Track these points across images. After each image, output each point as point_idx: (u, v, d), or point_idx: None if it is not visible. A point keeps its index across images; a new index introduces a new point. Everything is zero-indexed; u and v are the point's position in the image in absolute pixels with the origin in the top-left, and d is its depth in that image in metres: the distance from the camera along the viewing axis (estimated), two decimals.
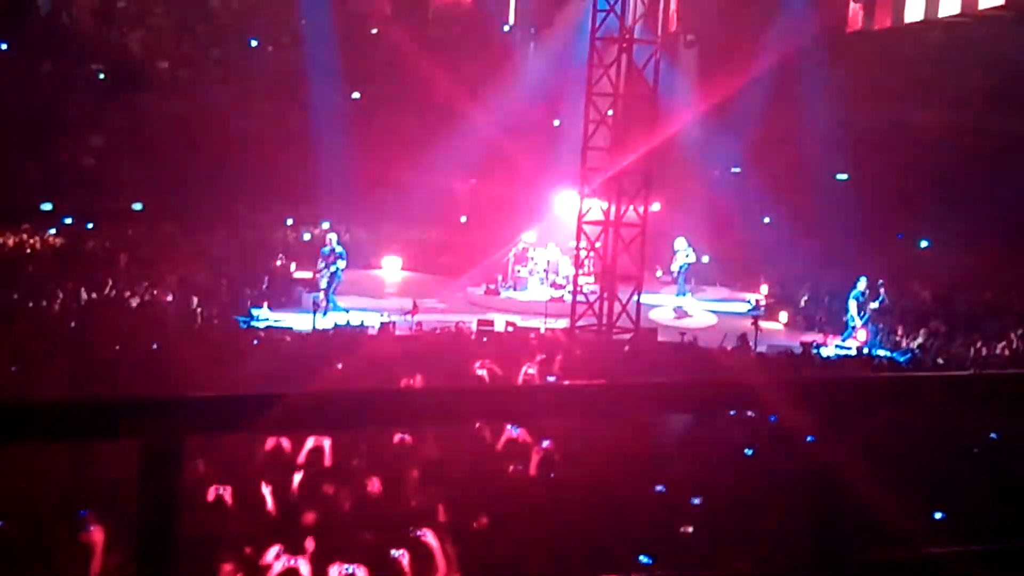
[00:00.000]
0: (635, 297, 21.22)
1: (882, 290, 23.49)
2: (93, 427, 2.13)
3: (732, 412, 10.96)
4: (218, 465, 9.66)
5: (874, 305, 23.03)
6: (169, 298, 21.82)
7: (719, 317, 25.75)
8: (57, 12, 28.35)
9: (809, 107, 28.73)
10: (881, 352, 22.01)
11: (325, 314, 22.72)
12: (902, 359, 20.77)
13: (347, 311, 22.94)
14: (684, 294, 26.90)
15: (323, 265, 23.60)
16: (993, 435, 12.52)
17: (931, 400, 3.30)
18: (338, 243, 23.92)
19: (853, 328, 23.03)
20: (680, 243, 27.02)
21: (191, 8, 26.25)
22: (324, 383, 14.41)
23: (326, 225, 30.69)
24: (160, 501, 2.13)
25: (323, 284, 23.58)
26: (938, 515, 9.54)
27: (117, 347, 16.00)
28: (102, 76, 28.70)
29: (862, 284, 23.19)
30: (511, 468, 10.55)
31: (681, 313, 25.40)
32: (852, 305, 23.12)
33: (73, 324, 18.13)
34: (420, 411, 2.53)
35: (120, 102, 27.80)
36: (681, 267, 26.90)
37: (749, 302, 27.14)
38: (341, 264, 23.66)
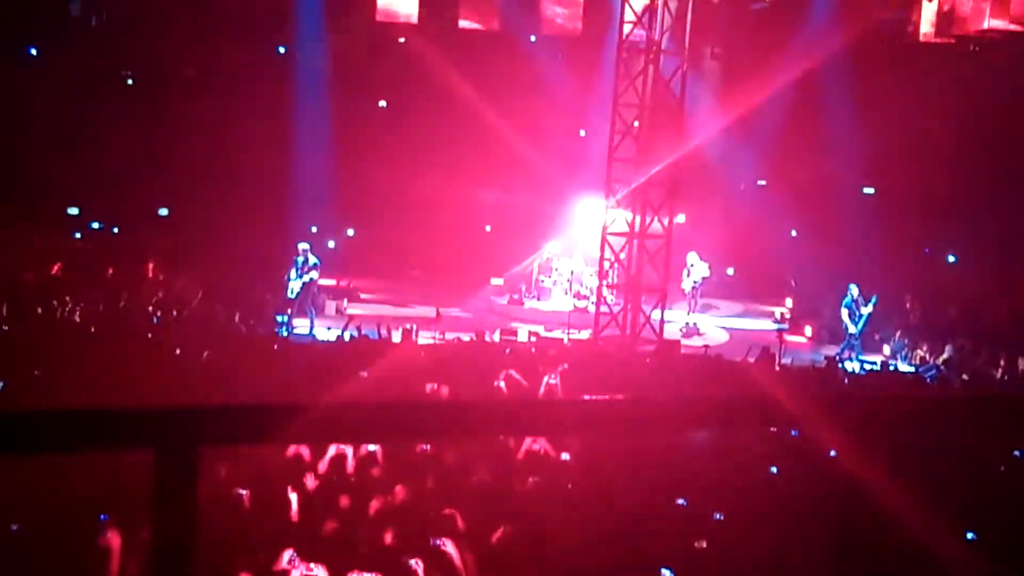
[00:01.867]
0: (659, 309, 21.18)
1: (908, 304, 23.34)
2: (106, 437, 2.11)
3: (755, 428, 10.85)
4: (239, 470, 9.67)
5: (867, 308, 22.75)
6: (193, 304, 21.86)
7: (734, 333, 25.44)
8: (87, 16, 28.49)
9: (835, 120, 28.60)
10: (906, 367, 21.88)
11: (291, 326, 22.55)
12: (928, 375, 20.61)
13: (311, 329, 22.58)
14: (692, 312, 26.09)
15: (295, 276, 22.99)
16: (1017, 452, 12.41)
17: (959, 420, 3.25)
18: (312, 253, 23.36)
19: (852, 336, 22.85)
20: (692, 258, 26.17)
21: (221, 14, 26.35)
22: (347, 391, 14.43)
23: (351, 232, 30.78)
24: (176, 513, 2.10)
25: (291, 295, 22.96)
26: (967, 535, 9.45)
27: (141, 352, 16.03)
28: (130, 81, 28.84)
29: (854, 291, 22.99)
30: (531, 479, 10.53)
31: (690, 331, 24.90)
32: (845, 314, 22.94)
33: (94, 329, 18.17)
34: (441, 424, 2.50)
35: (148, 107, 27.93)
36: (695, 282, 26.02)
37: (772, 316, 27.01)
38: (315, 275, 23.09)
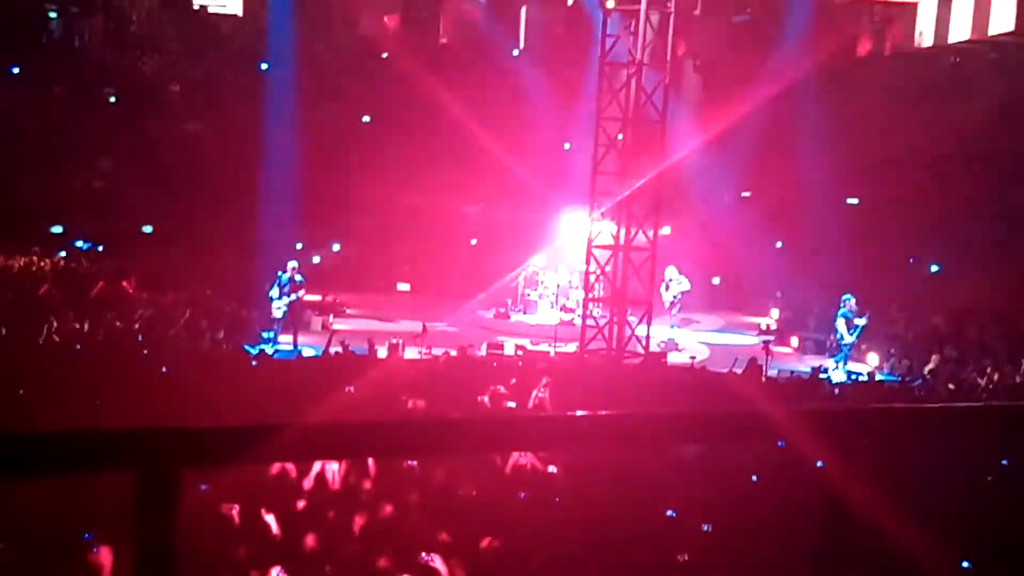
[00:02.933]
0: (645, 322, 21.19)
1: (867, 312, 23.34)
2: (87, 460, 2.09)
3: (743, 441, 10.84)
4: (224, 486, 9.62)
5: (860, 321, 22.81)
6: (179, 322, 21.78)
7: (720, 345, 25.33)
8: (69, 36, 28.45)
9: (820, 132, 28.70)
10: (892, 377, 21.93)
11: (276, 343, 22.41)
12: (914, 384, 20.66)
13: (296, 345, 22.47)
14: (674, 325, 25.88)
15: (279, 294, 22.90)
16: (1004, 461, 12.43)
17: (948, 431, 3.25)
18: (297, 272, 23.30)
19: (848, 347, 22.89)
20: (670, 272, 25.95)
21: (203, 32, 26.34)
22: (334, 407, 14.38)
23: (336, 247, 30.73)
24: (157, 536, 2.09)
25: (277, 314, 22.87)
26: (949, 542, 9.46)
27: (124, 371, 15.96)
28: (113, 100, 28.78)
29: (851, 302, 23.03)
30: (519, 494, 10.52)
31: (670, 346, 24.84)
32: (841, 324, 22.95)
33: (79, 347, 18.09)
34: (426, 442, 2.49)
35: (131, 125, 27.88)
36: (675, 296, 25.82)
37: (757, 328, 27.02)
38: (300, 293, 23.04)
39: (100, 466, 2.10)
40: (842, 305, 23.05)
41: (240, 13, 23.21)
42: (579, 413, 2.79)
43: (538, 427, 2.63)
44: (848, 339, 22.85)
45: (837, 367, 22.52)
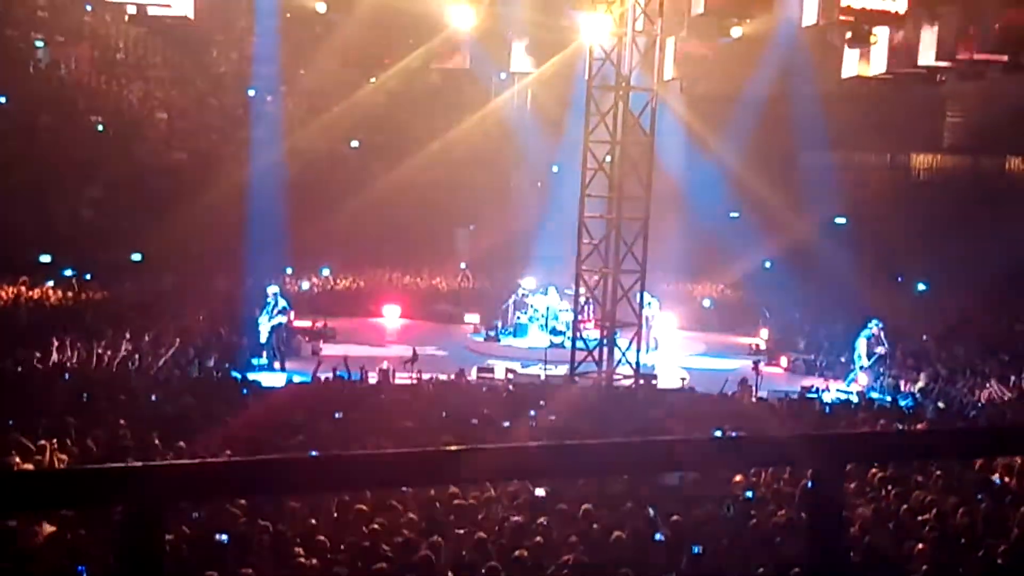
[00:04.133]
0: (635, 343, 21.17)
1: (882, 334, 23.42)
2: (71, 497, 2.09)
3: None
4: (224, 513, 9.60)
5: (880, 349, 22.92)
6: (169, 350, 21.72)
7: (710, 363, 25.10)
8: (56, 64, 28.45)
9: (807, 151, 28.83)
10: (881, 396, 21.94)
11: (271, 369, 22.33)
12: (903, 403, 20.68)
13: (285, 371, 22.36)
14: (651, 350, 25.29)
15: (266, 319, 22.86)
16: (996, 479, 12.46)
17: (938, 453, 3.25)
18: (281, 295, 23.26)
19: (861, 369, 22.90)
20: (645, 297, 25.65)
21: (189, 60, 26.37)
22: (324, 433, 14.35)
23: (326, 272, 30.72)
24: (142, 569, 2.08)
25: (263, 339, 22.83)
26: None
27: (113, 399, 15.91)
28: (100, 128, 28.78)
29: (873, 327, 23.03)
30: (510, 517, 10.50)
31: (648, 374, 24.25)
32: (862, 345, 22.95)
33: (68, 376, 18.03)
34: (419, 473, 2.48)
35: (118, 153, 27.87)
36: (647, 317, 25.43)
37: (748, 348, 27.00)
38: (283, 318, 22.97)
39: (85, 503, 2.10)
40: (865, 327, 23.06)
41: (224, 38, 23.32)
42: (569, 443, 2.78)
43: (531, 457, 2.63)
44: (865, 362, 22.88)
45: (850, 386, 22.52)
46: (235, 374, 21.16)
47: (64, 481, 2.07)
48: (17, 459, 11.17)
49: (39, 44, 27.83)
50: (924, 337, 25.32)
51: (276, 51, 27.90)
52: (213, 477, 2.16)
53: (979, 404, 20.06)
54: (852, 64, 24.46)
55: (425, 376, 21.07)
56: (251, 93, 29.50)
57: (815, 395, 20.91)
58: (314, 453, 12.92)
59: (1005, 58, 18.98)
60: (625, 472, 10.67)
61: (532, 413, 17.20)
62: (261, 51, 28.17)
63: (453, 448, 2.42)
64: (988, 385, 21.15)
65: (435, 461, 2.47)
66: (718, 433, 15.78)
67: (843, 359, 23.34)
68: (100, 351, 20.38)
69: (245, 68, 28.52)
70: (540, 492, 11.23)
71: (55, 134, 27.27)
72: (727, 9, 20.35)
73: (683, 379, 22.88)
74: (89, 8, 25.28)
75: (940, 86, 23.41)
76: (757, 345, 27.08)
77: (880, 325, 23.26)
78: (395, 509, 10.55)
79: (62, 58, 28.36)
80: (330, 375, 20.27)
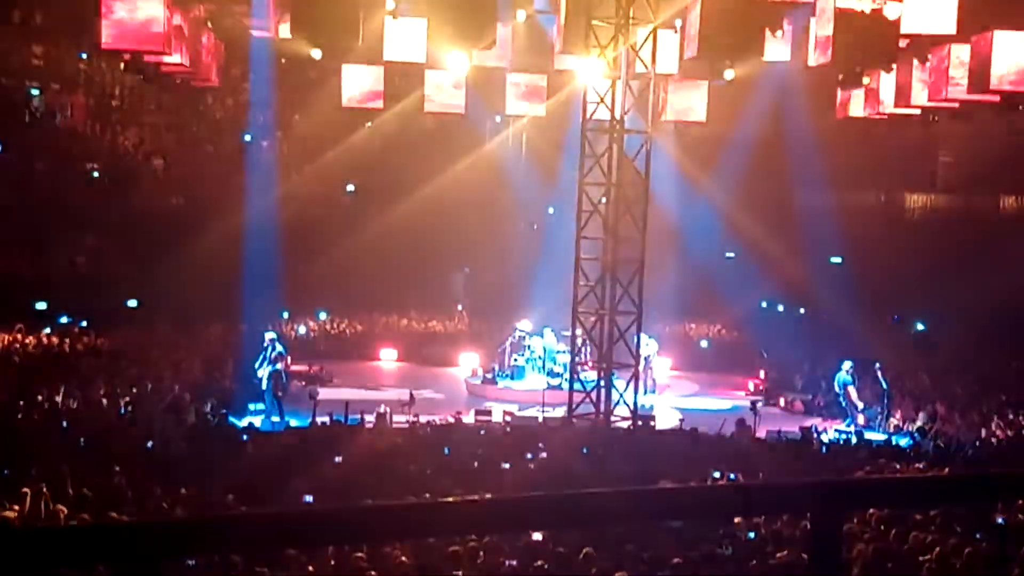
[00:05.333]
0: (632, 385, 21.14)
1: (880, 374, 23.41)
2: (66, 556, 2.07)
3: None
4: None
5: (884, 385, 23.02)
6: (166, 396, 21.67)
7: (692, 414, 24.72)
8: (51, 112, 28.54)
9: (802, 191, 28.93)
10: (879, 436, 21.91)
11: (269, 417, 22.29)
12: (902, 442, 20.65)
13: (285, 419, 22.18)
14: (649, 391, 25.26)
15: (263, 364, 22.69)
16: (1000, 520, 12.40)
17: (939, 500, 3.23)
18: (279, 341, 23.22)
19: (857, 411, 22.88)
20: (642, 338, 25.68)
21: (184, 106, 26.46)
22: (322, 478, 14.30)
23: (322, 316, 30.71)
24: None
25: (264, 385, 22.63)
26: None
27: (110, 446, 15.85)
28: (96, 174, 28.84)
29: (847, 367, 23.12)
30: (506, 563, 10.45)
31: (646, 414, 24.21)
32: (852, 391, 22.98)
33: (65, 424, 17.97)
34: (412, 526, 2.47)
35: (114, 199, 27.91)
36: (645, 358, 25.49)
37: (745, 388, 26.97)
38: (280, 364, 22.76)
39: (78, 562, 2.08)
40: (839, 370, 23.10)
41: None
42: (568, 493, 2.77)
43: (531, 508, 2.61)
44: (860, 405, 22.90)
45: (849, 427, 22.51)
46: (232, 420, 21.12)
47: (54, 539, 2.05)
48: (15, 508, 11.12)
49: (34, 92, 27.93)
50: (922, 376, 25.32)
51: (271, 96, 28.02)
52: (213, 532, 2.15)
53: (978, 443, 20.04)
54: (845, 105, 24.64)
55: (423, 419, 21.03)
56: (247, 138, 29.61)
57: (814, 435, 20.86)
58: (309, 499, 12.87)
59: (997, 99, 19.10)
60: (626, 521, 10.59)
61: (529, 456, 17.16)
62: (256, 97, 28.27)
63: (437, 502, 2.40)
64: (987, 424, 21.15)
65: (423, 514, 2.46)
66: (716, 475, 15.75)
67: (842, 402, 23.31)
68: (96, 398, 20.33)
69: (240, 114, 28.63)
70: (537, 536, 11.16)
71: (50, 181, 27.31)
72: (719, 52, 20.47)
73: (681, 420, 22.84)
74: (84, 56, 25.39)
75: (933, 126, 23.54)
76: (756, 385, 27.06)
77: (873, 364, 23.29)
78: (389, 555, 10.48)
79: (57, 106, 28.46)
80: (327, 419, 20.23)
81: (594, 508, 2.59)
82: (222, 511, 11.48)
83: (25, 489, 11.59)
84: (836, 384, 23.28)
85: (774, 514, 10.32)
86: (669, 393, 26.66)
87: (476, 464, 16.39)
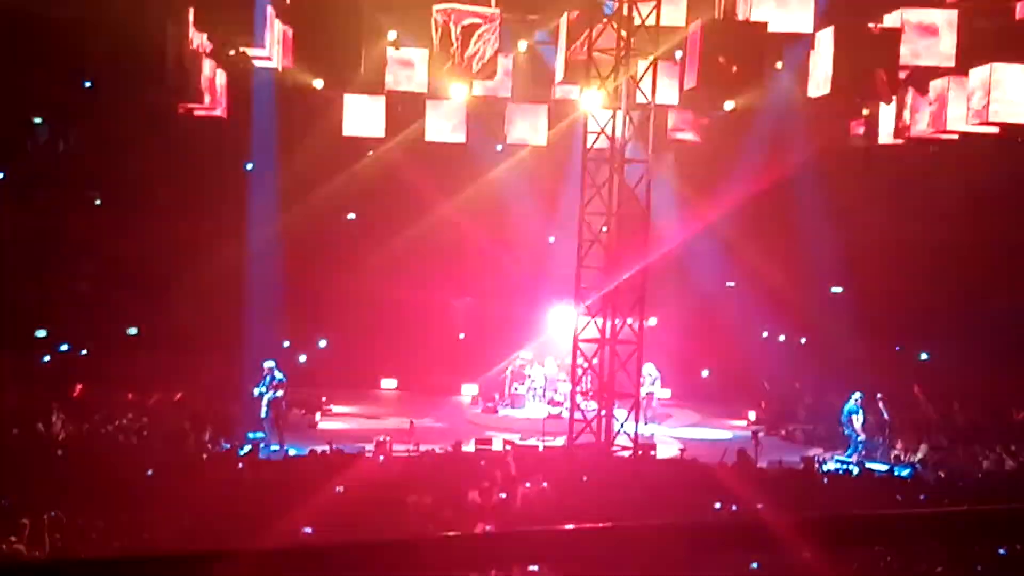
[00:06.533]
0: (632, 415, 21.11)
1: (881, 404, 23.39)
2: None
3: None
4: None
5: (883, 417, 23.00)
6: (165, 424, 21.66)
7: (693, 443, 24.75)
8: (54, 140, 28.58)
9: (803, 221, 28.93)
10: (882, 467, 21.85)
11: (268, 445, 22.28)
12: (903, 473, 20.59)
13: (285, 447, 22.16)
14: (650, 422, 25.55)
15: (263, 392, 22.72)
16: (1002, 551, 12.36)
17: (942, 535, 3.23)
18: (277, 369, 23.17)
19: (860, 442, 22.83)
20: (648, 368, 25.93)
21: (187, 134, 26.47)
22: (322, 507, 14.26)
23: (323, 344, 30.67)
24: None
25: (263, 413, 22.59)
26: None
27: (108, 476, 15.82)
28: (98, 202, 28.86)
29: (856, 397, 23.08)
30: None
31: (648, 442, 24.30)
32: (856, 421, 22.93)
33: (61, 452, 17.95)
34: (414, 561, 2.46)
35: (115, 227, 27.92)
36: (647, 394, 25.71)
37: (743, 420, 26.94)
38: (279, 392, 22.78)
39: None
40: (848, 400, 23.08)
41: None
42: (571, 527, 2.76)
43: (531, 544, 2.61)
44: (861, 435, 22.87)
45: (851, 457, 22.47)
46: (227, 446, 21.11)
47: (74, 571, 2.05)
48: (12, 539, 11.09)
49: (37, 121, 27.98)
50: (925, 406, 25.28)
51: (273, 126, 28.08)
52: (208, 566, 2.14)
53: (980, 474, 19.99)
54: (845, 135, 24.73)
55: (423, 448, 21.02)
56: (249, 167, 29.65)
57: (815, 465, 20.82)
58: (308, 530, 12.83)
59: (996, 130, 19.16)
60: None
61: (527, 485, 17.13)
62: (258, 126, 28.33)
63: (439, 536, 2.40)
64: (989, 454, 21.10)
65: (426, 549, 2.45)
66: (717, 505, 15.72)
67: (845, 431, 23.26)
68: (96, 426, 20.32)
69: (242, 143, 28.65)
70: (533, 569, 11.06)
71: (53, 209, 27.31)
72: (719, 83, 20.54)
73: (682, 449, 22.80)
74: (88, 85, 25.45)
75: (937, 155, 23.63)
76: (757, 415, 27.02)
77: (875, 395, 23.28)
78: None
79: (60, 134, 28.47)
80: (327, 448, 20.21)
81: (594, 542, 2.59)
82: (220, 543, 11.45)
83: (25, 520, 11.57)
84: (842, 413, 23.21)
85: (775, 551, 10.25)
86: (670, 422, 26.68)
87: (477, 494, 16.36)
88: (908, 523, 3.16)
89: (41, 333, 27.27)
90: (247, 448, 21.64)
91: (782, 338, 30.80)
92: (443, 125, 24.95)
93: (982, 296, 27.26)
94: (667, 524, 2.96)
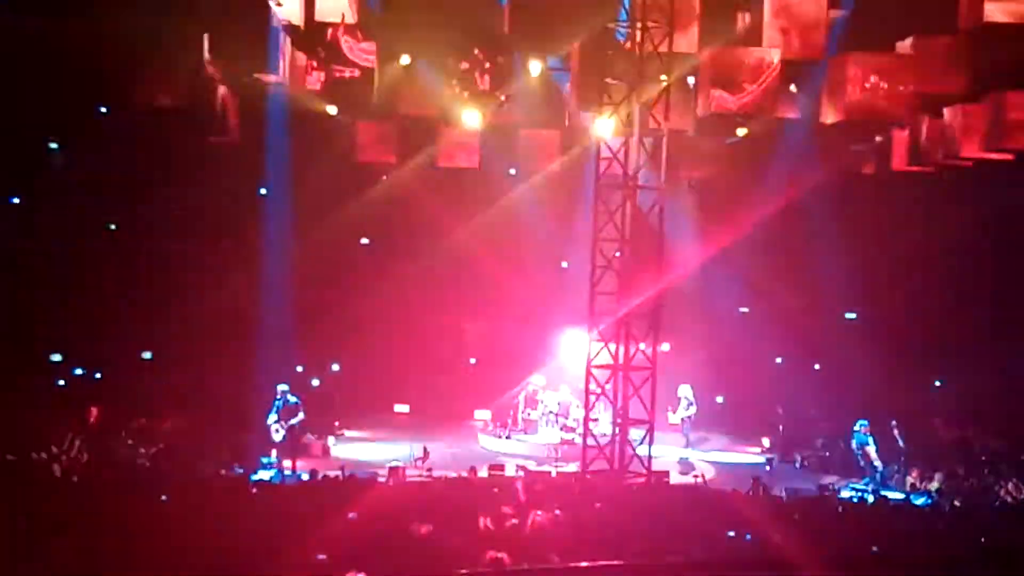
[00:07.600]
0: (646, 441, 21.05)
1: (896, 431, 23.29)
2: None
3: None
4: None
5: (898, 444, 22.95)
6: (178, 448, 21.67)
7: (720, 467, 25.04)
8: (69, 163, 28.68)
9: (816, 247, 28.88)
10: (897, 494, 21.73)
11: (281, 470, 22.24)
12: (920, 502, 20.47)
13: (298, 472, 22.15)
14: (688, 446, 26.28)
15: (276, 419, 22.69)
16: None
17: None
18: (291, 393, 23.12)
19: (876, 470, 22.73)
20: (684, 390, 26.52)
21: (201, 159, 26.57)
22: (335, 534, 14.20)
23: (336, 368, 30.69)
24: None
25: (277, 438, 22.61)
26: None
27: (122, 500, 15.82)
28: (114, 227, 28.95)
29: (863, 426, 23.02)
30: None
31: (686, 467, 24.77)
32: (871, 452, 22.84)
33: (76, 479, 17.96)
34: None
35: (132, 252, 28.03)
36: (684, 417, 26.35)
37: (758, 446, 26.92)
38: (294, 418, 22.74)
39: None
40: (859, 430, 23.01)
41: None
42: (584, 565, 2.75)
43: None
44: (878, 463, 22.81)
45: (868, 486, 22.41)
46: (241, 471, 21.12)
47: None
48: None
49: (53, 146, 28.10)
50: (940, 433, 25.16)
51: (287, 150, 28.17)
52: None
53: (996, 503, 19.86)
54: (859, 162, 24.71)
55: (436, 474, 20.98)
56: (263, 192, 29.74)
57: (830, 493, 20.72)
58: (322, 556, 12.77)
59: (1010, 156, 19.15)
60: None
61: (538, 513, 17.04)
62: (272, 150, 28.43)
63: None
64: (1006, 483, 20.97)
65: None
66: (731, 534, 15.61)
67: (860, 460, 23.16)
68: (110, 451, 20.34)
69: (256, 167, 28.75)
70: None
71: (68, 234, 27.41)
72: (732, 109, 20.56)
73: (696, 476, 22.73)
74: (104, 111, 25.57)
75: (952, 181, 23.60)
76: (771, 442, 26.94)
77: (890, 422, 23.19)
78: None
79: (76, 158, 28.57)
80: (340, 473, 20.19)
81: None
82: (234, 569, 11.44)
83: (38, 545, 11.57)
84: (854, 443, 23.15)
85: None
86: (706, 446, 26.93)
87: (488, 520, 16.27)
88: (922, 557, 3.14)
89: (56, 357, 27.35)
90: (260, 473, 21.64)
91: (795, 364, 30.68)
92: (456, 150, 25.05)
93: (997, 322, 27.13)
94: (679, 563, 2.95)
